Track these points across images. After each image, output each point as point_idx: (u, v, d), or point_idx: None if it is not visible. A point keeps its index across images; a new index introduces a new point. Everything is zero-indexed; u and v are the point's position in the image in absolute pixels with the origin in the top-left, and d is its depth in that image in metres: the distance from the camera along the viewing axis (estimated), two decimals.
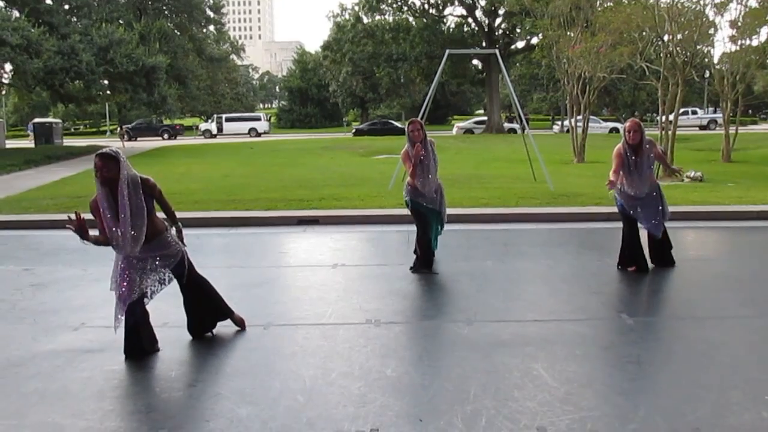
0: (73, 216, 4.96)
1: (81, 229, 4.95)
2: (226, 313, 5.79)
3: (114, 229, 4.99)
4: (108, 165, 4.89)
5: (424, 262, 7.74)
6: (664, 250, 7.86)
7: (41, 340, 5.69)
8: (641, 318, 6.14)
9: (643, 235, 7.76)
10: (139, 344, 5.27)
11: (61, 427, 4.07)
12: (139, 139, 52.84)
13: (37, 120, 44.61)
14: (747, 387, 4.51)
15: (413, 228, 7.95)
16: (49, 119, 46.40)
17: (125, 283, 5.14)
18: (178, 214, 5.69)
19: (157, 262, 5.28)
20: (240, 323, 5.84)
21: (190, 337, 5.65)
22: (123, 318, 5.16)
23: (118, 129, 47.64)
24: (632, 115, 64.92)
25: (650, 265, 7.77)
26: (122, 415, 4.25)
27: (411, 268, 7.79)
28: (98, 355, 5.29)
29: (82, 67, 32.38)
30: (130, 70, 34.80)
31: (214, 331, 5.76)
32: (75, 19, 40.10)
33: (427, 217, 7.69)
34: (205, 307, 5.68)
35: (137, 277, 5.18)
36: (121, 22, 42.28)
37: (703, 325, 5.86)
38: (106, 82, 37.50)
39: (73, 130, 70.72)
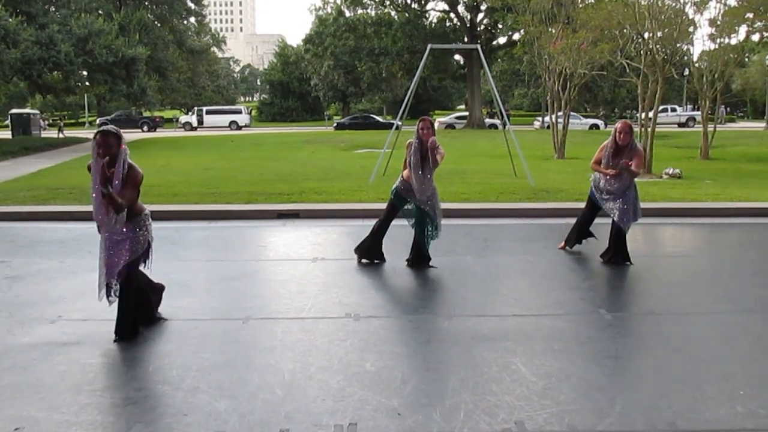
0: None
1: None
2: (130, 329, 5.54)
3: (97, 204, 5.19)
4: (109, 141, 5.10)
5: (418, 258, 7.73)
6: (621, 248, 7.92)
7: (17, 332, 5.62)
8: (619, 313, 6.18)
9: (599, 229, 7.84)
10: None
11: (36, 421, 4.02)
12: None
13: (14, 111, 44.01)
14: (723, 382, 4.56)
15: (394, 222, 7.93)
16: (27, 110, 45.81)
17: (107, 264, 5.37)
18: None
19: (124, 248, 5.36)
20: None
21: (168, 331, 5.61)
22: (114, 288, 5.42)
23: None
24: (612, 111, 65.42)
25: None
26: (99, 408, 4.21)
27: (407, 262, 7.82)
28: (75, 348, 5.24)
29: (60, 58, 31.98)
30: (110, 61, 34.43)
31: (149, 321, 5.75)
32: (53, 9, 39.58)
33: (397, 210, 7.70)
34: (137, 306, 5.60)
35: (115, 256, 5.36)
36: (100, 12, 41.87)
37: (680, 321, 5.92)
38: (84, 73, 37.04)
39: (51, 121, 69.93)
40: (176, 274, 7.23)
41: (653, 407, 4.15)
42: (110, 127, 5.22)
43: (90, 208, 9.43)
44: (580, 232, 8.48)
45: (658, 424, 3.95)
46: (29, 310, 6.23)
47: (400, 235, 7.95)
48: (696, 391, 4.40)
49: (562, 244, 8.63)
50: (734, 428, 3.92)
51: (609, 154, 7.63)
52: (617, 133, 7.56)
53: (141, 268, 5.60)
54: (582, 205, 8.67)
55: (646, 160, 17.35)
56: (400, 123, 18.10)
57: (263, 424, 3.97)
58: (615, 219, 7.79)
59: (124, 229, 5.37)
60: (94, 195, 5.20)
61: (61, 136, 41.08)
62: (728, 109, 62.78)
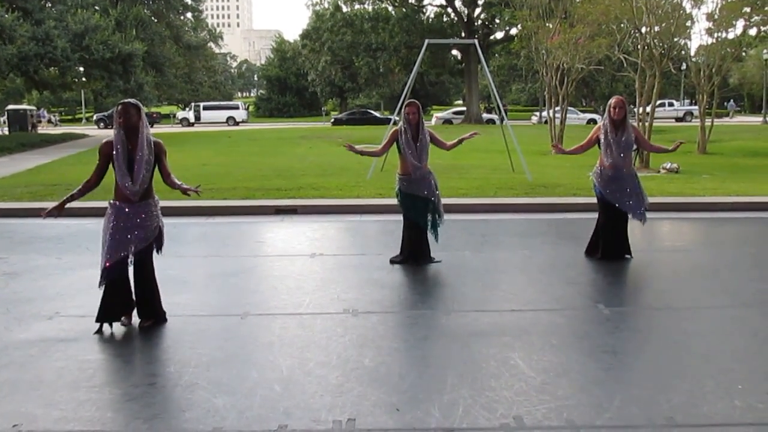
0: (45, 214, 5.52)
1: (59, 208, 5.49)
2: (157, 313, 5.72)
3: (122, 172, 5.37)
4: (131, 112, 5.38)
5: (417, 255, 7.68)
6: (624, 241, 7.90)
7: (14, 329, 5.61)
8: (617, 308, 6.18)
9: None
10: (115, 306, 5.52)
11: (34, 417, 4.02)
12: None
13: (10, 107, 43.81)
14: (721, 376, 4.56)
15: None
16: (24, 106, 45.58)
17: (109, 246, 5.41)
18: None
19: (136, 234, 5.45)
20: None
21: (165, 327, 5.61)
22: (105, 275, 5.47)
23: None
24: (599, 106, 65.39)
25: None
26: (97, 404, 4.20)
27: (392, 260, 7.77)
28: (73, 344, 5.23)
29: (57, 54, 31.88)
30: (106, 57, 34.31)
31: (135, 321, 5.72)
32: (50, 5, 39.39)
33: (415, 208, 7.59)
34: (147, 297, 5.67)
35: (120, 242, 5.41)
36: (96, 8, 41.63)
37: (678, 316, 5.92)
38: (81, 69, 36.92)
39: (39, 117, 69.62)
40: (174, 270, 7.23)
41: (651, 402, 4.15)
42: (131, 100, 5.50)
43: (86, 204, 9.42)
44: (601, 239, 7.90)
45: (657, 418, 3.95)
46: (27, 306, 6.22)
47: (397, 230, 7.93)
48: (694, 386, 4.40)
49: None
50: (732, 422, 3.93)
51: (609, 132, 7.56)
52: (611, 108, 7.51)
53: (154, 253, 5.70)
54: (581, 200, 8.63)
55: (643, 155, 17.36)
56: (397, 118, 18.06)
57: (262, 420, 3.97)
58: (631, 214, 7.69)
59: (135, 218, 5.45)
60: (118, 162, 5.38)
61: (34, 132, 39.77)
62: (725, 103, 62.87)
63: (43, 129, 45.54)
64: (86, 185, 5.54)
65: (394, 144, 7.67)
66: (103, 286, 5.51)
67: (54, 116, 60.00)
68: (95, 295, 5.79)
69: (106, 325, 5.54)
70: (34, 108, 45.93)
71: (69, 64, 33.42)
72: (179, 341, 5.35)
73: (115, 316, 5.57)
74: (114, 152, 5.39)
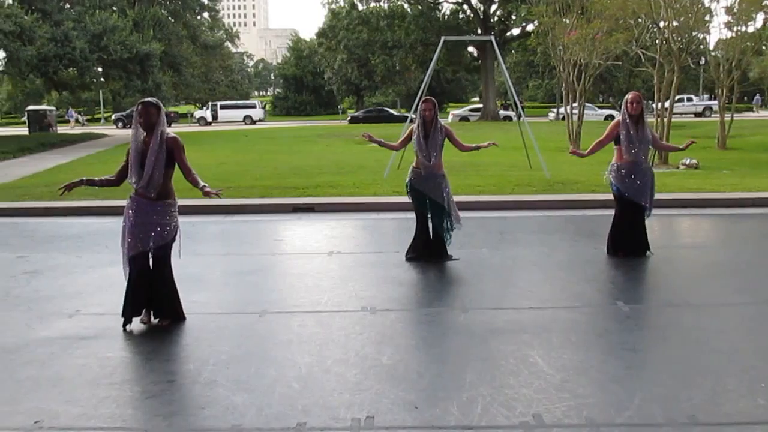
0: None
1: (75, 185, 5.75)
2: (176, 312, 5.72)
3: (133, 169, 5.46)
4: (151, 111, 5.44)
5: (435, 253, 7.67)
6: (642, 237, 7.84)
7: (36, 327, 5.66)
8: (637, 305, 6.14)
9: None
10: (136, 302, 5.56)
11: (55, 414, 4.05)
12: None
13: (30, 107, 44.20)
14: (743, 374, 4.51)
15: (409, 216, 7.92)
16: (44, 106, 45.97)
17: (128, 240, 5.50)
18: None
19: (155, 233, 5.48)
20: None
21: (184, 325, 5.64)
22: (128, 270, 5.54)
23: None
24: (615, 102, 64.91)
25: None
26: (117, 401, 4.23)
27: (407, 257, 7.75)
28: (93, 342, 5.27)
29: (75, 54, 32.19)
30: (124, 57, 34.61)
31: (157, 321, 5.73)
32: (68, 6, 39.74)
33: (425, 205, 7.61)
34: (164, 296, 5.68)
35: (138, 237, 5.47)
36: (114, 9, 41.92)
37: (698, 313, 5.87)
38: (99, 69, 37.28)
39: (67, 117, 70.32)
40: (192, 269, 7.26)
41: (672, 400, 4.12)
42: (151, 99, 5.55)
43: (105, 203, 9.53)
44: (620, 236, 7.79)
45: (678, 416, 3.91)
46: (48, 304, 6.28)
47: (413, 228, 7.92)
48: (716, 384, 4.35)
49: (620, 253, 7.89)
50: (755, 421, 3.88)
51: (629, 127, 7.49)
52: (628, 104, 7.47)
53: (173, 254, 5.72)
54: (599, 196, 8.56)
55: (662, 151, 17.21)
56: (414, 116, 18.06)
57: (280, 418, 3.97)
58: (645, 205, 7.64)
59: (154, 216, 5.49)
60: (131, 160, 5.49)
61: (53, 131, 39.66)
62: (745, 98, 62.21)
63: (71, 128, 45.96)
64: (108, 179, 5.77)
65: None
66: (127, 280, 5.55)
67: (81, 116, 60.62)
68: (115, 293, 5.85)
69: (127, 320, 5.60)
70: (53, 108, 46.38)
71: (87, 64, 33.74)
72: (198, 339, 5.37)
73: (138, 310, 5.63)
74: (130, 150, 5.50)
